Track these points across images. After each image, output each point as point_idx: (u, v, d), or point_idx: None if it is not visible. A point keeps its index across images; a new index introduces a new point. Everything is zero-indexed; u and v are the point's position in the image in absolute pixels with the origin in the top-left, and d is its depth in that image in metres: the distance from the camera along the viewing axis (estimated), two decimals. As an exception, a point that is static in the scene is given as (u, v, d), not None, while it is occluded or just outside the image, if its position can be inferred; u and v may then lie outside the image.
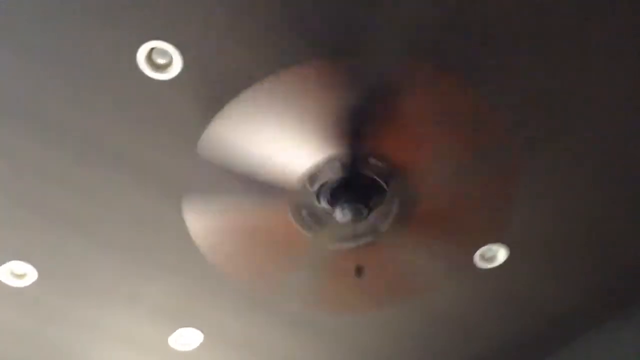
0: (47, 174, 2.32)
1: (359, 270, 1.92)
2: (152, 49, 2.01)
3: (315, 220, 2.15)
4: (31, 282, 2.69)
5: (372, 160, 2.05)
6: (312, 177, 2.05)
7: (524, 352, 3.10)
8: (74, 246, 2.56)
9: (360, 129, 1.98)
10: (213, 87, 2.08)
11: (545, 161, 2.31)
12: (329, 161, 2.02)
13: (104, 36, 1.97)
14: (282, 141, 1.98)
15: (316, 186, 2.06)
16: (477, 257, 2.59)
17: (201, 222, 2.16)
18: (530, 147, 2.27)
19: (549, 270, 2.70)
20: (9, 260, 2.60)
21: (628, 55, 2.04)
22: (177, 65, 2.03)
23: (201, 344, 3.00)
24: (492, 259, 2.62)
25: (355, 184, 2.05)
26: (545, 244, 2.59)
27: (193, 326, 2.91)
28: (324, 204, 2.09)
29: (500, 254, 2.60)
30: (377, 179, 2.07)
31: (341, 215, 2.04)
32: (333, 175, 2.04)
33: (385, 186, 2.09)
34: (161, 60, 2.04)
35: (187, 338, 2.98)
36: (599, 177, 2.37)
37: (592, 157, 2.31)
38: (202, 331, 2.94)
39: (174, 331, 2.94)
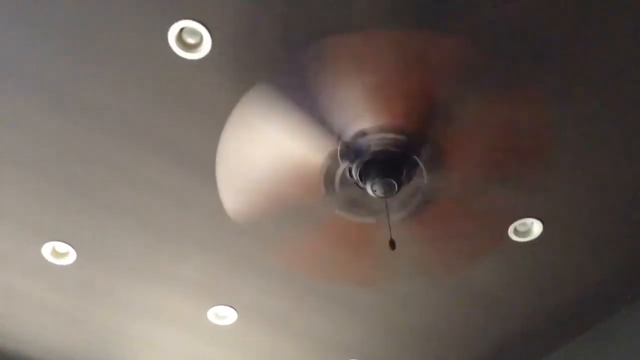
0: (86, 156, 2.36)
1: (392, 243, 1.92)
2: (182, 28, 2.02)
3: (343, 188, 2.15)
4: (71, 262, 2.75)
5: (413, 139, 2.03)
6: (351, 147, 2.04)
7: (560, 326, 3.08)
8: (112, 226, 2.60)
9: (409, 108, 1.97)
10: (243, 66, 2.09)
11: (580, 135, 2.27)
12: (370, 134, 2.01)
13: (135, 17, 1.98)
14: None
15: (352, 156, 2.05)
16: (511, 231, 2.57)
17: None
18: (566, 121, 2.23)
19: (584, 243, 2.66)
20: (50, 240, 2.66)
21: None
22: (206, 45, 2.04)
23: (236, 320, 3.04)
24: (526, 233, 2.60)
25: (390, 160, 2.04)
26: (580, 218, 2.55)
27: (228, 303, 2.96)
28: (355, 175, 2.08)
29: (535, 227, 2.57)
30: (416, 158, 2.05)
31: (372, 189, 2.03)
32: (371, 148, 2.03)
33: (422, 166, 2.07)
34: (191, 39, 2.05)
35: (223, 314, 3.03)
36: (636, 151, 2.33)
37: (629, 130, 2.26)
38: (236, 309, 2.98)
39: (211, 308, 2.98)
